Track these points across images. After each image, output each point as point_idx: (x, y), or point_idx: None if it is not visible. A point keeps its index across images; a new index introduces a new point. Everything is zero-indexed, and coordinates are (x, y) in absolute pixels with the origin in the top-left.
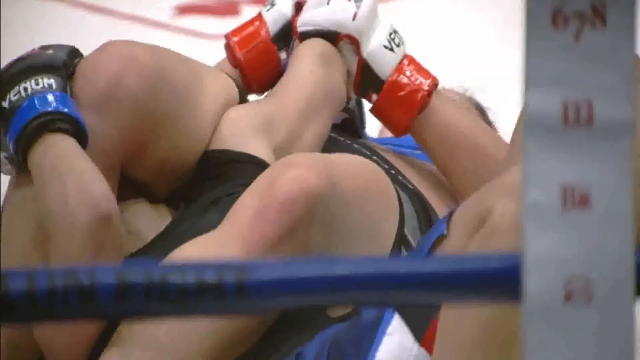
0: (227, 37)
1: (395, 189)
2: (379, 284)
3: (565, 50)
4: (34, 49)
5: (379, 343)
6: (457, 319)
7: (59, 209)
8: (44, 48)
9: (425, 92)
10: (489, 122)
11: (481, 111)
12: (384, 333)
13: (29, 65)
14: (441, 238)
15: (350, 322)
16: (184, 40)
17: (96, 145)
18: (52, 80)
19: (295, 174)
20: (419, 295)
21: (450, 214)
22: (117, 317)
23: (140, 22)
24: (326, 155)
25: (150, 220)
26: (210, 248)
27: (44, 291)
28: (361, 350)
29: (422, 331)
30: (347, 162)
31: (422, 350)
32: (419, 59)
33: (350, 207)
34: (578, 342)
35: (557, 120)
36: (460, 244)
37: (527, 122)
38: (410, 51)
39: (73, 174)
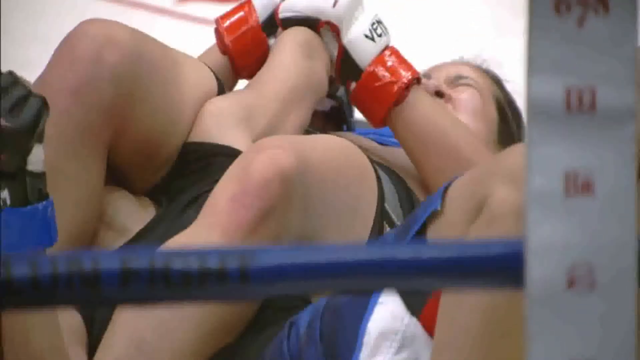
0: (216, 21)
1: (373, 165)
2: (381, 270)
3: (568, 36)
4: None
5: (371, 312)
6: (460, 305)
7: None
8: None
9: (402, 85)
10: (506, 94)
11: (497, 83)
12: (376, 302)
13: None
14: (435, 213)
15: None
16: (186, 26)
17: (83, 129)
18: (5, 192)
19: (267, 155)
20: (422, 281)
21: (445, 189)
22: (120, 302)
23: (143, 8)
24: (297, 136)
25: (133, 216)
26: (193, 241)
27: (47, 277)
28: (354, 319)
29: (419, 304)
30: (321, 141)
31: (414, 319)
32: (418, 43)
33: (326, 183)
34: (581, 329)
35: (560, 106)
36: (456, 221)
37: (530, 109)
38: (408, 33)
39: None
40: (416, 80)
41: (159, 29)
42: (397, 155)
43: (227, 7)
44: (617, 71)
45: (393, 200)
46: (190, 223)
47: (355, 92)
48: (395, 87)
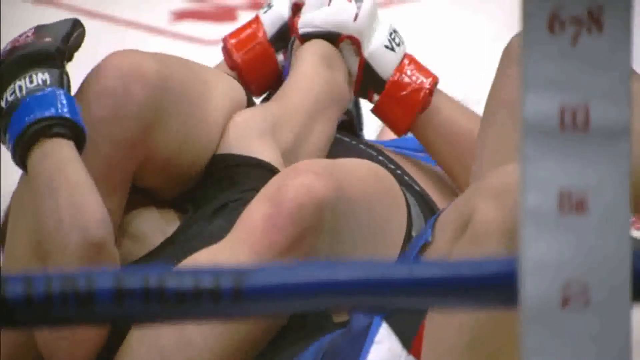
0: (224, 39)
1: (402, 191)
2: (375, 289)
3: (562, 54)
4: (27, 35)
5: (367, 352)
6: (445, 325)
7: (51, 228)
8: (39, 31)
9: (426, 91)
10: None
11: None
12: (372, 342)
13: (23, 58)
14: (426, 245)
15: (341, 331)
16: (181, 46)
17: (107, 162)
18: (46, 76)
19: (303, 181)
20: (415, 300)
21: (435, 220)
22: (114, 321)
23: (137, 27)
24: (333, 160)
25: (157, 225)
26: (220, 256)
27: (42, 296)
28: (352, 358)
29: (410, 338)
30: (355, 167)
31: (411, 358)
32: (418, 46)
33: (358, 212)
34: (576, 347)
35: (554, 124)
36: (445, 249)
37: (524, 126)
38: (407, 37)
39: (67, 191)
40: (436, 84)
41: (152, 48)
42: (421, 167)
43: (222, 27)
44: (611, 89)
45: (418, 225)
46: (218, 231)
47: (379, 103)
48: (421, 94)
